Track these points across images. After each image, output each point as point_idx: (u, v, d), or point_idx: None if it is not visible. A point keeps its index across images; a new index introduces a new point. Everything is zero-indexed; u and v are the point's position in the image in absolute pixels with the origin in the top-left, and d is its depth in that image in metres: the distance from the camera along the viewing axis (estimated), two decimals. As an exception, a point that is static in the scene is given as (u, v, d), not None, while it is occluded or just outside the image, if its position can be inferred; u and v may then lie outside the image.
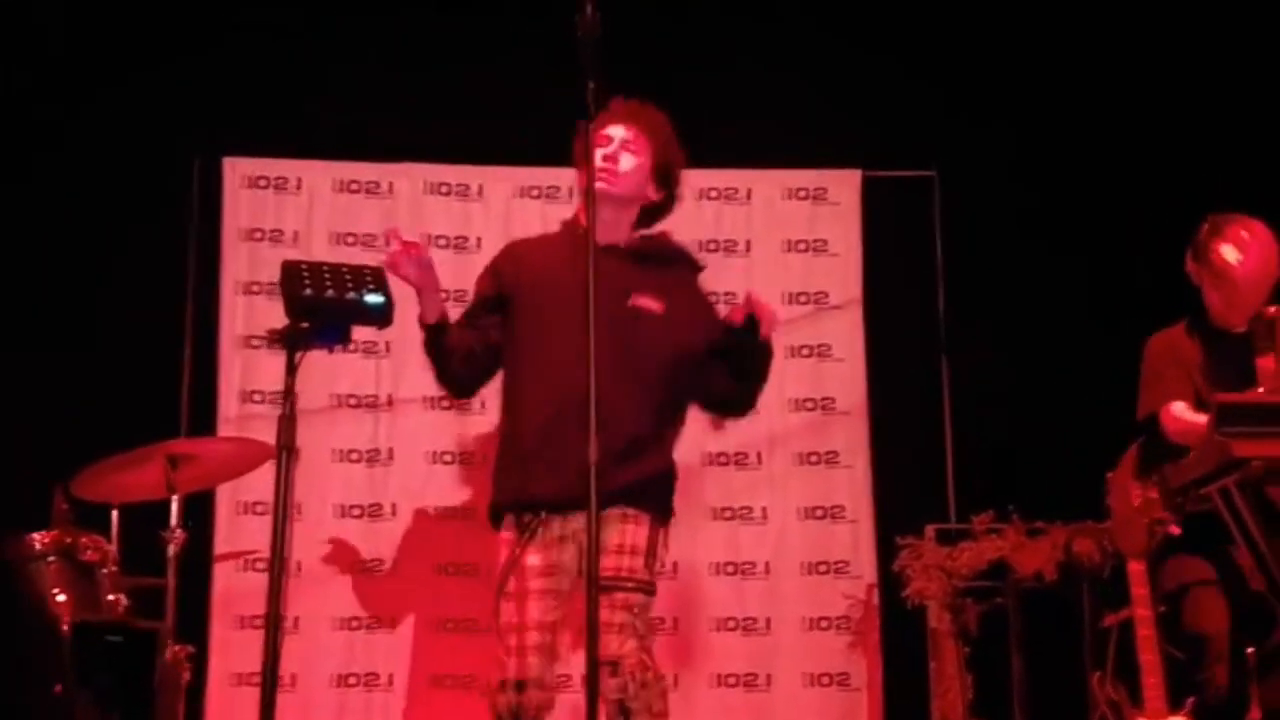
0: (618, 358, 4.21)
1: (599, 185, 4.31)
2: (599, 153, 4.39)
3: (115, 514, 5.26)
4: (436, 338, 4.52)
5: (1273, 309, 4.70)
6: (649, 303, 4.51)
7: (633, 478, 4.31)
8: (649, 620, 4.37)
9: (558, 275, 4.36)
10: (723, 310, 4.72)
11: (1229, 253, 4.72)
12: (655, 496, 4.44)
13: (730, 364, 4.58)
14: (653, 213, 4.69)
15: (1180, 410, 4.79)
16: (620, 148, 4.54)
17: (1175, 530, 4.81)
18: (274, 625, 3.29)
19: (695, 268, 4.80)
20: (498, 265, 4.71)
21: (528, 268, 4.59)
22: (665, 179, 4.64)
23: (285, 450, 3.30)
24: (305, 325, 3.31)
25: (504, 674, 4.28)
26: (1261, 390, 4.44)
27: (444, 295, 4.61)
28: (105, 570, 4.93)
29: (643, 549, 4.37)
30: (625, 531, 4.35)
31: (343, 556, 6.27)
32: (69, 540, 4.86)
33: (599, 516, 3.60)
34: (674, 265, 4.72)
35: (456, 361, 4.55)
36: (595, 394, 3.63)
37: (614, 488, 4.10)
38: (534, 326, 4.48)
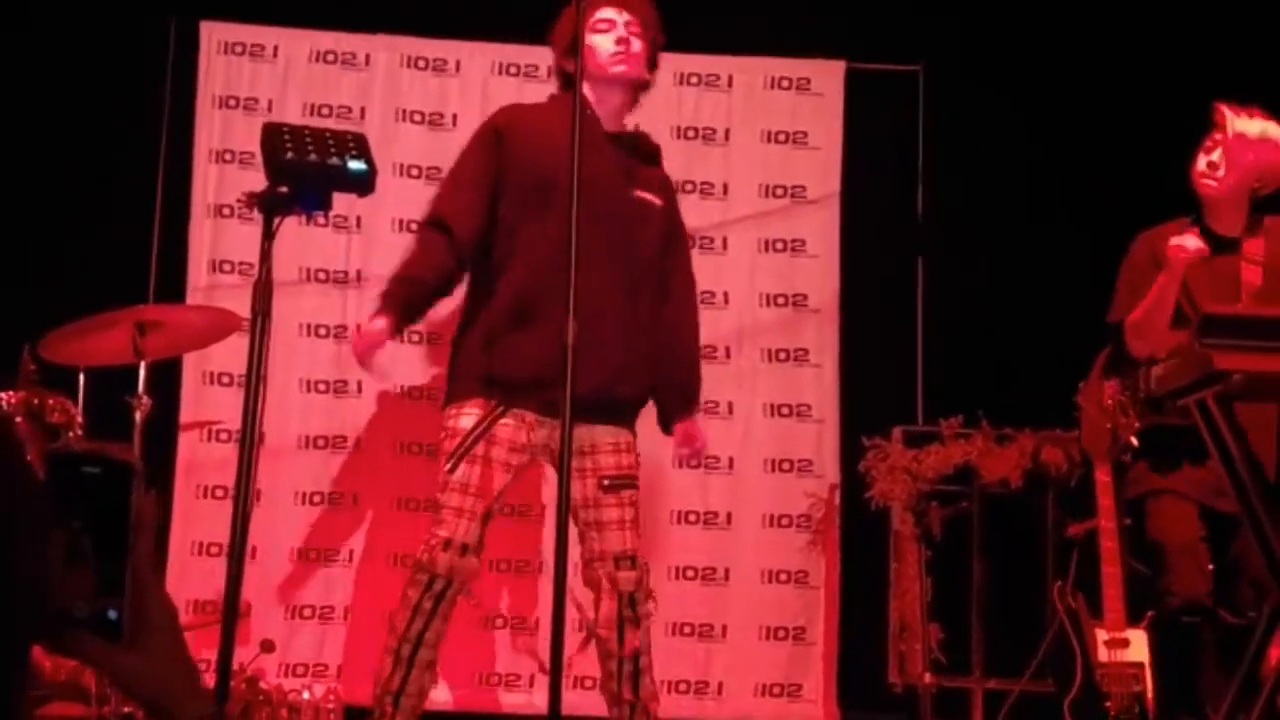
0: (618, 254, 4.37)
1: (619, 70, 4.52)
2: (610, 38, 4.52)
3: (82, 378, 5.24)
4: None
5: (1270, 219, 4.66)
6: (650, 195, 4.62)
7: (630, 393, 4.56)
8: None
9: (563, 157, 4.18)
10: None
11: (1241, 124, 4.63)
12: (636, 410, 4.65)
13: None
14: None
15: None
16: (627, 32, 4.57)
17: (1132, 440, 4.79)
18: (244, 496, 3.23)
19: (660, 163, 4.85)
20: (499, 130, 4.59)
21: (529, 142, 4.49)
22: (654, 61, 4.69)
23: (261, 316, 3.23)
24: (285, 190, 3.23)
25: (451, 533, 4.33)
26: (1240, 304, 4.41)
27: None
28: (71, 433, 4.91)
29: (633, 445, 4.55)
30: (619, 431, 4.52)
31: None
32: (36, 401, 4.83)
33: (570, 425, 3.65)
34: (657, 161, 4.79)
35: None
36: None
37: (617, 396, 4.45)
38: (535, 208, 4.43)
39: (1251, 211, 4.70)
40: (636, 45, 4.57)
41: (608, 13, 4.57)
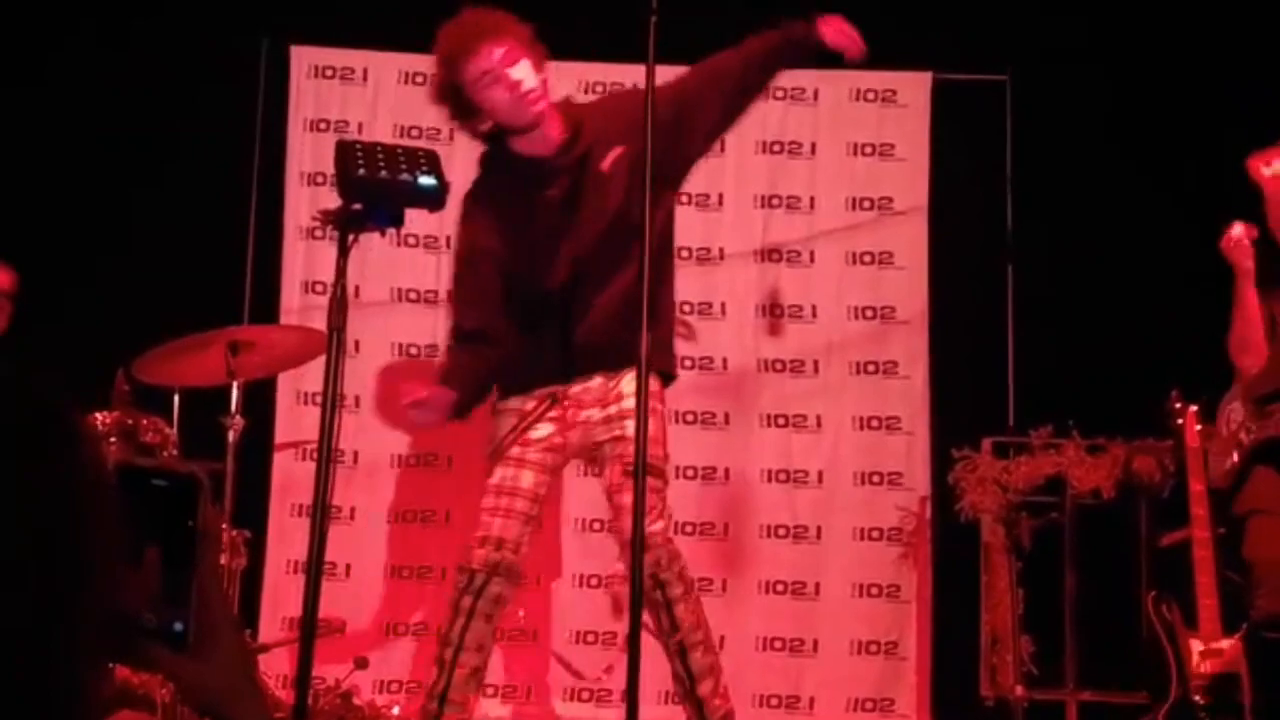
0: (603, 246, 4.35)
1: (537, 110, 4.34)
2: (500, 89, 4.30)
3: (176, 398, 5.32)
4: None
5: None
6: (612, 159, 4.42)
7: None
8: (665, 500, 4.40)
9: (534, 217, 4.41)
10: None
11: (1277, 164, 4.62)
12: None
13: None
14: None
15: None
16: (514, 72, 4.33)
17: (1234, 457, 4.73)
18: (321, 512, 3.28)
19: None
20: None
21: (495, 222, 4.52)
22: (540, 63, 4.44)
23: (335, 332, 3.28)
24: (357, 207, 3.28)
25: (487, 531, 4.35)
26: None
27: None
28: (165, 453, 4.99)
29: (660, 437, 4.36)
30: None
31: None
32: (130, 421, 4.92)
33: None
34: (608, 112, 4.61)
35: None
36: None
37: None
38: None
39: None
40: (520, 74, 4.32)
41: (481, 62, 4.31)
